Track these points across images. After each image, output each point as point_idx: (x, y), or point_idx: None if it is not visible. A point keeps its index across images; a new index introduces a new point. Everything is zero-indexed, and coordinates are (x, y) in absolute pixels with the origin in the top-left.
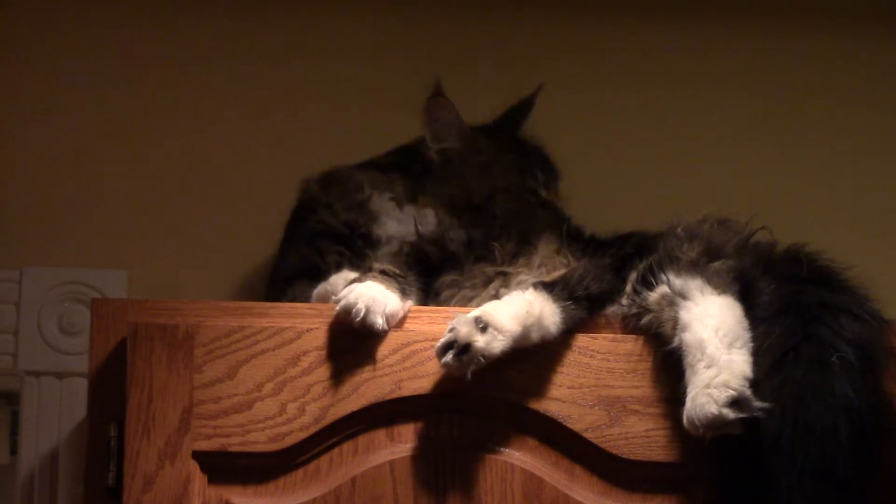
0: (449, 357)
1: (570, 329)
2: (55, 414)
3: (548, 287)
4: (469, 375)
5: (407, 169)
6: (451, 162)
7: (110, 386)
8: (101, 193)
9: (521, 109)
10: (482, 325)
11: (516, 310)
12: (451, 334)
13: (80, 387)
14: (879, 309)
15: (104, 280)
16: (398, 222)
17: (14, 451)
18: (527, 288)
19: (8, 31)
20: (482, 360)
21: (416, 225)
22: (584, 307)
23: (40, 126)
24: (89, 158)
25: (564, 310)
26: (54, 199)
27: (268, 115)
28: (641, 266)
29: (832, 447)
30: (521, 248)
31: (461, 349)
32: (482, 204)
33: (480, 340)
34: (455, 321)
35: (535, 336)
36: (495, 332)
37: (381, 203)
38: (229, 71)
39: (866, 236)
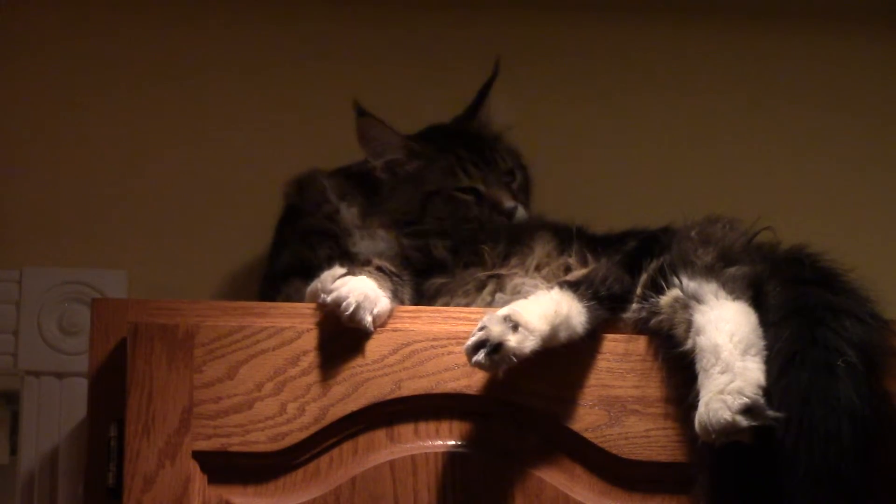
0: (481, 356)
1: (595, 329)
2: (55, 414)
3: (573, 286)
4: (500, 374)
5: (365, 186)
6: (396, 175)
7: (110, 386)
8: (101, 193)
9: (481, 93)
10: (513, 324)
11: (545, 309)
12: (482, 333)
13: (80, 387)
14: (880, 310)
15: (104, 280)
16: (363, 239)
17: (14, 451)
18: (551, 287)
19: (9, 32)
20: (513, 359)
21: (397, 242)
22: (607, 307)
23: (40, 126)
24: (89, 158)
25: (589, 310)
26: (54, 199)
27: (267, 116)
28: (651, 268)
29: (836, 450)
30: (513, 248)
31: (493, 348)
32: (418, 215)
33: (513, 340)
34: (485, 320)
35: (562, 336)
36: (526, 332)
37: (350, 217)
38: (229, 72)
39: (866, 236)
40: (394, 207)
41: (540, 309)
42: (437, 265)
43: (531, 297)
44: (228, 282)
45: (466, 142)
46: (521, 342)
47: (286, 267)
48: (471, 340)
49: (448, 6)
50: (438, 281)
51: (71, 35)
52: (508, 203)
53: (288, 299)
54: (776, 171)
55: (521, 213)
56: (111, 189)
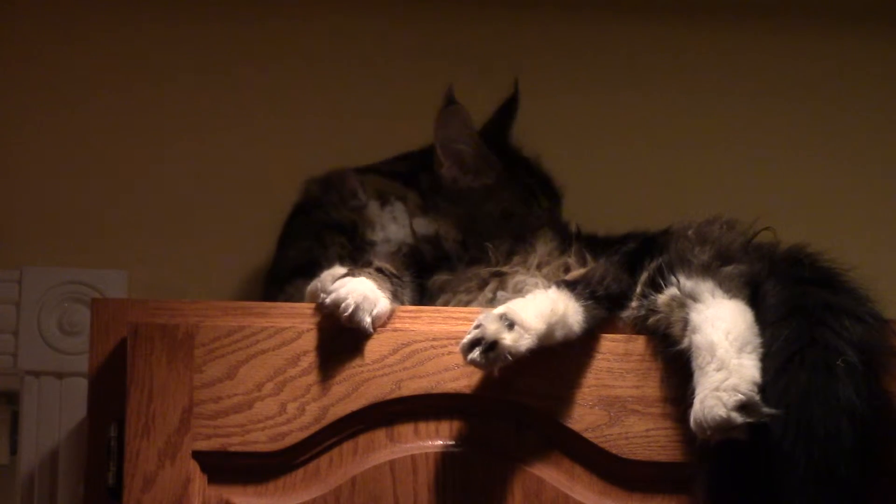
0: (476, 354)
1: (592, 328)
2: (55, 414)
3: (570, 286)
4: (496, 372)
5: (412, 180)
6: (459, 181)
7: (110, 386)
8: (101, 193)
9: (508, 112)
10: (508, 323)
11: (541, 308)
12: (477, 331)
13: (80, 387)
14: (880, 310)
15: (104, 280)
16: (396, 229)
17: (14, 451)
18: (548, 286)
19: (9, 32)
20: (509, 357)
21: (412, 230)
22: (605, 306)
23: (40, 126)
24: (89, 158)
25: (587, 309)
26: (54, 199)
27: (268, 116)
28: (651, 267)
29: (835, 450)
30: (517, 246)
31: (488, 346)
32: (492, 229)
33: (508, 338)
34: (481, 318)
35: (559, 335)
36: (522, 330)
37: (379, 213)
38: (229, 73)
39: (866, 236)
40: (465, 215)
41: (536, 307)
42: (444, 259)
43: (528, 296)
44: (229, 282)
45: (525, 166)
46: (517, 341)
47: (292, 266)
48: (466, 338)
49: (450, 5)
50: (442, 277)
51: (71, 35)
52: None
53: (290, 300)
54: (776, 171)
55: None
56: (111, 189)
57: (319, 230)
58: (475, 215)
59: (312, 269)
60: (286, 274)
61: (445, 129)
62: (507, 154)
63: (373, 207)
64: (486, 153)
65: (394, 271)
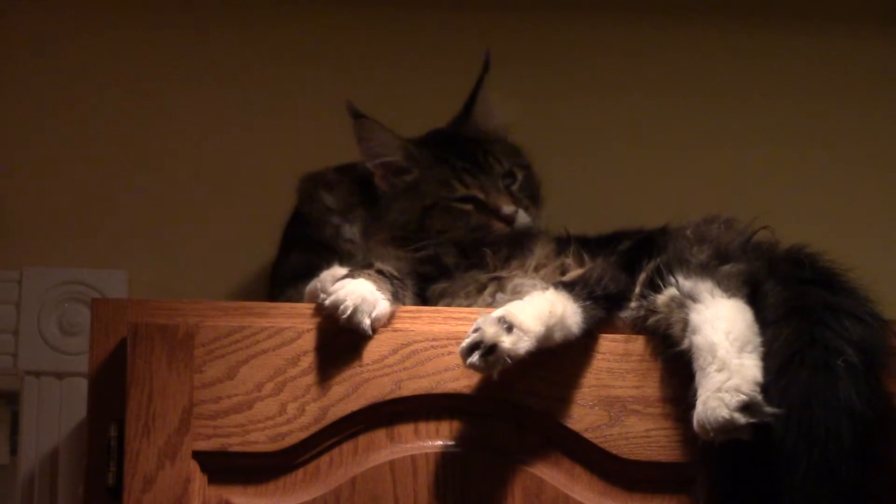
0: (475, 357)
1: (591, 329)
2: (55, 414)
3: (568, 287)
4: (496, 375)
5: (370, 192)
6: (394, 186)
7: (110, 386)
8: (101, 193)
9: (473, 92)
10: (507, 326)
11: (539, 310)
12: (476, 334)
13: (80, 387)
14: (880, 310)
15: (104, 280)
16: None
17: (14, 451)
18: (546, 288)
19: (9, 33)
20: (508, 360)
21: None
22: (603, 307)
23: (40, 126)
24: (89, 159)
25: (585, 310)
26: (54, 199)
27: (267, 117)
28: (649, 267)
29: (836, 450)
30: (514, 251)
31: (487, 350)
32: (416, 229)
33: (507, 341)
34: (479, 321)
35: (557, 336)
36: (521, 333)
37: (352, 236)
38: (229, 73)
39: (866, 236)
40: (392, 222)
41: (534, 310)
42: (446, 272)
43: (526, 299)
44: (229, 282)
45: (461, 147)
46: (516, 343)
47: (293, 272)
48: (465, 342)
49: (447, 7)
50: (441, 286)
51: (71, 35)
52: (507, 208)
53: (290, 301)
54: (776, 171)
55: (521, 217)
56: (111, 189)
57: (316, 246)
58: (402, 217)
59: (313, 273)
60: (288, 277)
61: (364, 144)
62: (449, 144)
63: (345, 231)
64: (409, 150)
65: (395, 273)
